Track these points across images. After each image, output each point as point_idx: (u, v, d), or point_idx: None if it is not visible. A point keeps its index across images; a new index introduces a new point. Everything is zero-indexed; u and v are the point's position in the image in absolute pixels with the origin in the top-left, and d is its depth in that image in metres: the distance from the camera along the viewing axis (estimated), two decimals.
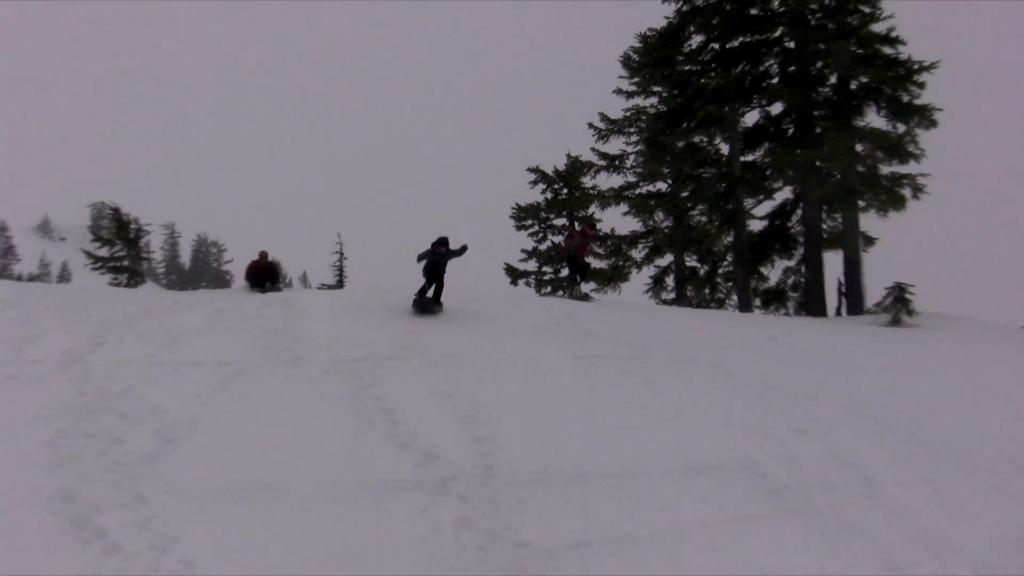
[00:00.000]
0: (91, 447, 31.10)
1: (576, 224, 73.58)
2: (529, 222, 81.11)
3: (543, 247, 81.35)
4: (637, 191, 71.84)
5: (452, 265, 48.15)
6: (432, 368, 38.61)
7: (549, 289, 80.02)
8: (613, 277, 78.78)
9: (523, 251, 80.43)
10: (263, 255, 35.20)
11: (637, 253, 74.54)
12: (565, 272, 68.70)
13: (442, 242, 42.18)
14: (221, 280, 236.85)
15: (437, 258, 41.30)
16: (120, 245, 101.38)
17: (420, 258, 42.89)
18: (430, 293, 40.82)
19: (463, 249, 41.42)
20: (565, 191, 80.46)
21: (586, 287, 52.20)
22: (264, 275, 39.03)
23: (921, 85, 67.12)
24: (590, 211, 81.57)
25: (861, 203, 67.16)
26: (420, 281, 44.87)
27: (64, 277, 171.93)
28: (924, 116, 65.72)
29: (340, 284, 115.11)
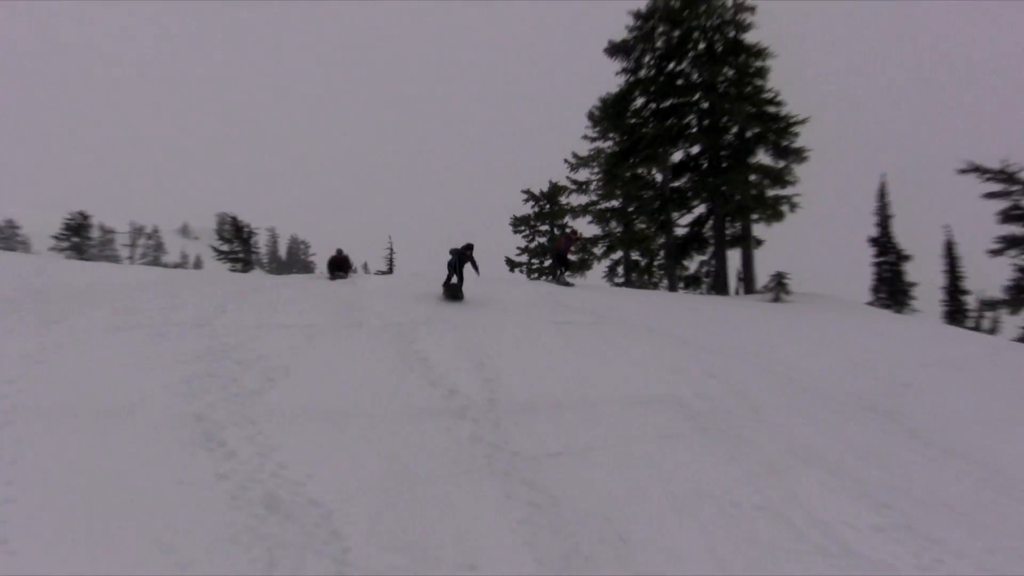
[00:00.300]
0: (215, 384, 31.78)
1: (566, 229, 73.77)
2: (522, 228, 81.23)
3: (532, 246, 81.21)
4: (598, 207, 72.33)
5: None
6: (454, 331, 39.13)
7: (537, 276, 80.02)
8: (581, 267, 79.12)
9: (518, 248, 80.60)
10: (339, 251, 35.62)
11: (597, 250, 74.77)
12: (550, 263, 68.35)
13: (469, 247, 42.05)
14: (307, 268, 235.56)
15: (462, 257, 41.18)
16: (236, 243, 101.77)
17: (451, 252, 42.91)
18: (453, 281, 40.76)
19: (476, 267, 41.30)
20: (548, 206, 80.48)
21: (568, 276, 52.18)
22: (337, 266, 39.49)
23: (796, 134, 67.40)
24: (565, 220, 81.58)
25: (753, 216, 67.59)
26: (445, 272, 44.91)
27: (197, 266, 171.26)
28: (798, 155, 66.46)
29: (390, 271, 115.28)
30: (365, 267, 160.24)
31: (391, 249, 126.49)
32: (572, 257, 42.46)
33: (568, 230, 37.79)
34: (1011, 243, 75.17)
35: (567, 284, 43.16)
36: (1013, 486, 35.05)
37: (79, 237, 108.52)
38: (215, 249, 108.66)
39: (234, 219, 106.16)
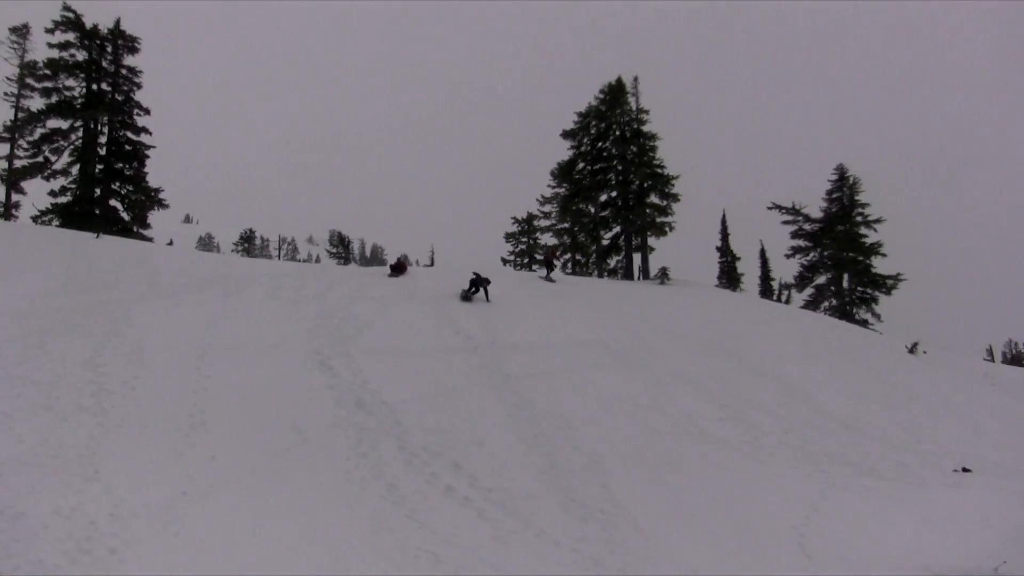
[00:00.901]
0: (326, 331, 31.75)
1: (552, 245, 73.84)
2: (511, 240, 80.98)
3: (517, 250, 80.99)
4: (556, 227, 72.05)
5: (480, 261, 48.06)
6: (471, 301, 38.54)
7: (521, 269, 79.83)
8: (543, 263, 79.10)
9: (510, 252, 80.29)
10: (402, 257, 34.51)
11: (559, 253, 74.75)
12: (543, 268, 68.06)
13: (487, 280, 41.14)
14: (383, 264, 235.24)
15: (482, 283, 40.45)
16: (340, 248, 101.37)
17: (475, 275, 42.00)
18: (472, 292, 40.01)
19: (488, 294, 40.68)
20: (527, 227, 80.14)
21: (552, 276, 51.86)
22: (397, 268, 37.61)
23: (673, 185, 67.68)
24: (541, 239, 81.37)
25: (648, 234, 67.20)
26: (469, 277, 44.48)
27: (317, 262, 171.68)
28: (674, 198, 67.20)
29: (432, 264, 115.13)
30: (417, 262, 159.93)
31: (433, 251, 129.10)
32: (556, 263, 43.36)
33: (552, 246, 37.60)
34: (797, 250, 76.29)
35: (551, 281, 43.46)
36: (801, 394, 35.16)
37: (248, 244, 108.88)
38: (328, 252, 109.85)
39: (339, 233, 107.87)
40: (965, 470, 29.25)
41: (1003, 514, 22.22)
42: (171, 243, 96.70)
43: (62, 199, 61.44)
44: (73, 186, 61.69)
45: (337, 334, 32.23)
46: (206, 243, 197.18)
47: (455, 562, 17.65)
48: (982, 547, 19.77)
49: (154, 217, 66.85)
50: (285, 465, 21.17)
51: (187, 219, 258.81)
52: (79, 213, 60.14)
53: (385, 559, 17.07)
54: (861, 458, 28.93)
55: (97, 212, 61.43)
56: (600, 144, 72.59)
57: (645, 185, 69.94)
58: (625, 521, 21.86)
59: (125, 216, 63.63)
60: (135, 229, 63.23)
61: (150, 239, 63.01)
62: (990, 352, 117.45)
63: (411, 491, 21.21)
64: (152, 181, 64.57)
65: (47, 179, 61.32)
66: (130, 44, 64.38)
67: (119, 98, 63.91)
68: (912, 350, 48.12)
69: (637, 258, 70.03)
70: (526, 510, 21.42)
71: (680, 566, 19.52)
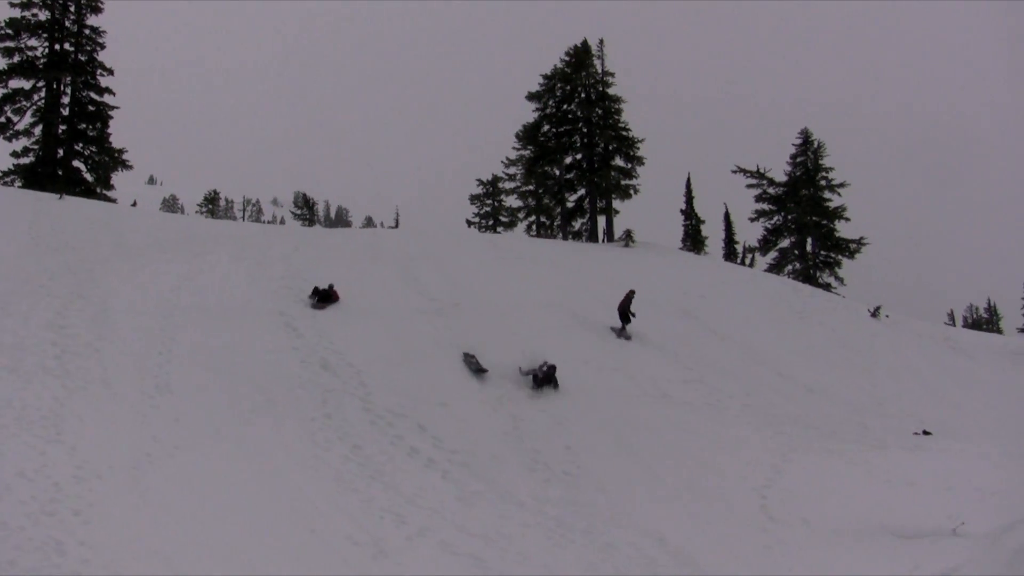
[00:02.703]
0: (292, 293, 31.57)
1: (627, 293, 72.58)
2: (476, 203, 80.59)
3: (481, 212, 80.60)
4: (520, 189, 71.57)
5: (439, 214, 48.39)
6: (435, 262, 38.77)
7: (484, 231, 79.56)
8: (508, 225, 78.72)
9: (475, 214, 79.84)
10: (330, 286, 31.21)
11: (521, 216, 74.27)
12: (492, 223, 68.21)
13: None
14: (347, 225, 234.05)
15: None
16: (305, 210, 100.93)
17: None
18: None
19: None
20: (492, 189, 79.75)
21: (629, 330, 51.22)
22: (325, 298, 32.45)
23: (638, 148, 67.47)
24: (502, 197, 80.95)
25: (613, 196, 67.07)
26: (433, 233, 44.42)
27: (282, 223, 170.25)
28: (639, 161, 66.61)
29: (397, 225, 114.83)
30: (382, 224, 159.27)
31: (398, 212, 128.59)
32: (633, 315, 39.87)
33: (629, 293, 35.37)
34: (761, 214, 76.07)
35: (627, 338, 38.97)
36: (764, 358, 35.37)
37: (212, 205, 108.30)
38: (293, 213, 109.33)
39: (304, 195, 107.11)
40: (926, 433, 29.54)
41: (962, 476, 22.43)
42: (135, 204, 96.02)
43: (25, 160, 60.75)
44: (36, 147, 60.98)
45: (302, 296, 32.13)
46: (170, 205, 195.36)
47: (419, 522, 17.75)
48: (942, 508, 19.97)
49: (118, 178, 66.30)
50: (250, 426, 21.21)
51: (151, 180, 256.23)
52: (42, 174, 59.51)
53: (349, 519, 17.14)
54: (823, 421, 29.17)
55: (60, 173, 60.79)
56: (565, 107, 72.27)
57: (610, 148, 69.72)
58: (589, 483, 22.00)
59: (89, 177, 63.02)
60: (99, 190, 62.64)
61: (114, 200, 62.47)
62: (951, 317, 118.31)
63: (376, 452, 21.29)
64: (116, 142, 63.88)
65: (9, 140, 60.56)
66: (93, 4, 63.42)
67: (82, 58, 63.15)
68: (875, 314, 48.34)
69: (602, 221, 69.83)
70: (491, 471, 21.54)
71: (644, 527, 19.66)
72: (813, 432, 28.07)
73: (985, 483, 21.54)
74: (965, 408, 34.84)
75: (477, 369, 24.08)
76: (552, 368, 27.65)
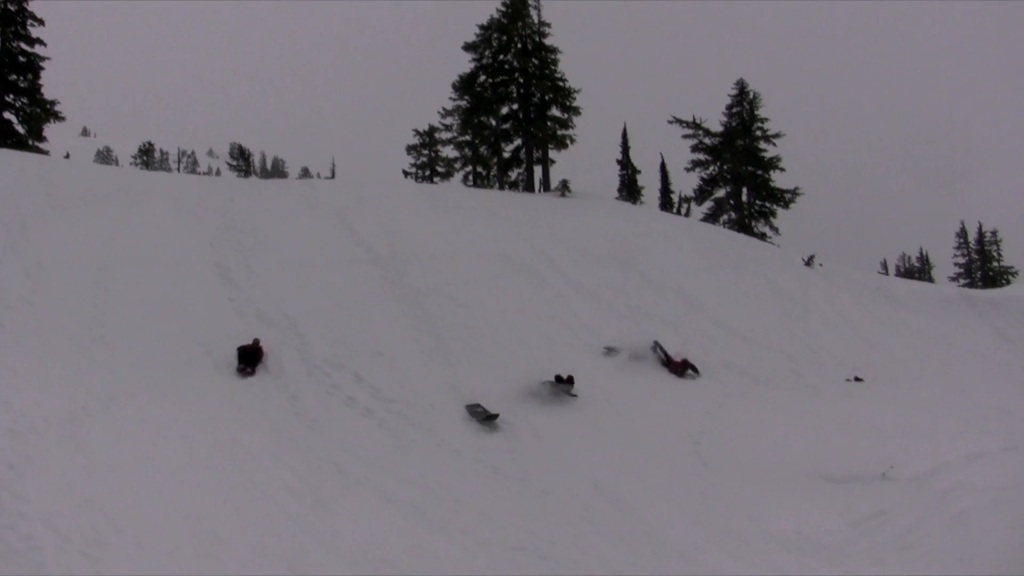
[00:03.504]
0: (228, 244, 31.61)
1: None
2: (412, 153, 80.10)
3: (417, 163, 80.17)
4: (457, 139, 71.24)
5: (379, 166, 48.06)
6: (373, 210, 38.67)
7: (420, 181, 79.16)
8: (445, 175, 78.38)
9: (411, 164, 79.24)
10: (255, 341, 27.54)
11: (457, 166, 74.02)
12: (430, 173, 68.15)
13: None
14: (283, 176, 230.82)
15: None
16: (240, 161, 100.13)
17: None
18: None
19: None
20: (428, 140, 79.34)
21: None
22: (249, 358, 27.51)
23: (574, 98, 67.29)
24: (438, 147, 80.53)
25: (549, 146, 67.07)
26: (370, 183, 44.25)
27: (218, 174, 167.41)
28: (575, 111, 66.45)
29: (333, 176, 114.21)
30: (318, 174, 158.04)
31: (334, 163, 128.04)
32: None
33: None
34: (697, 164, 76.18)
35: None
36: (699, 306, 35.59)
37: (147, 157, 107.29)
38: (229, 165, 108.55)
39: (240, 146, 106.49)
40: (857, 380, 29.98)
41: (892, 421, 22.81)
42: (68, 157, 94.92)
43: None
44: None
45: (238, 247, 31.97)
46: (104, 156, 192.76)
47: (357, 472, 17.81)
48: (872, 453, 20.33)
49: (50, 130, 65.24)
50: (187, 378, 21.18)
51: (84, 132, 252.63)
52: None
53: (288, 469, 17.17)
54: (757, 369, 29.51)
55: None
56: (502, 57, 71.98)
57: (546, 98, 69.61)
58: (526, 431, 22.17)
59: (20, 129, 61.97)
60: (31, 142, 61.61)
61: (46, 152, 61.55)
62: (884, 266, 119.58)
63: (313, 402, 21.34)
64: (47, 93, 62.85)
65: None
66: None
67: (11, 8, 61.99)
68: (809, 263, 48.75)
69: (538, 171, 69.72)
70: (428, 421, 21.65)
71: (580, 473, 19.86)
72: (748, 379, 28.47)
73: (914, 428, 21.96)
74: (896, 355, 35.31)
75: (485, 418, 22.43)
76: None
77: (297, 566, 12.78)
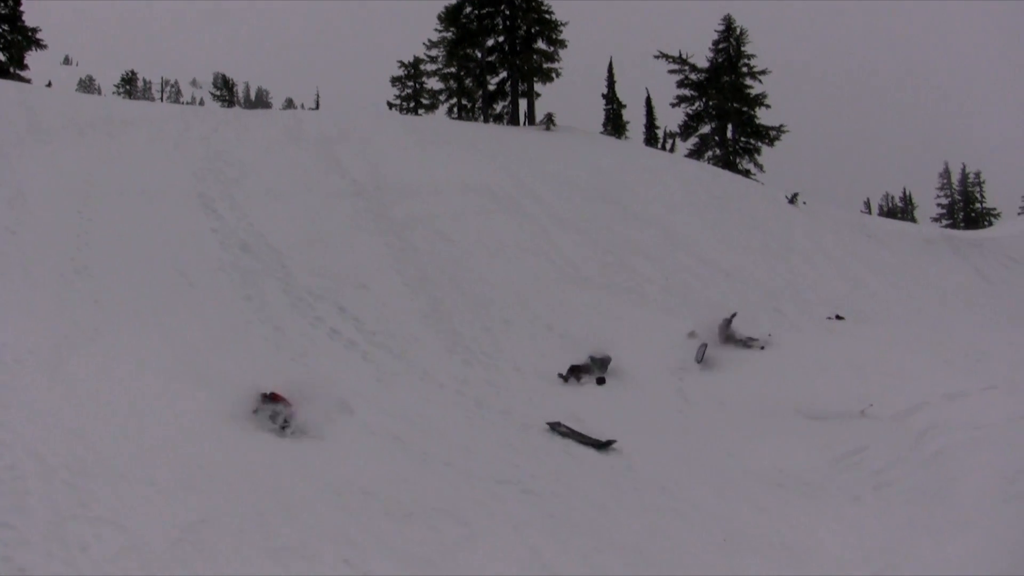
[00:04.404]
0: (211, 175, 31.42)
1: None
2: (397, 85, 79.62)
3: (403, 95, 79.68)
4: (442, 71, 70.85)
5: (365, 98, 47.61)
6: (357, 142, 38.67)
7: (405, 113, 78.80)
8: (429, 107, 77.99)
9: (396, 96, 78.66)
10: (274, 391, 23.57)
11: (442, 99, 73.72)
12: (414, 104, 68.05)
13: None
14: (268, 106, 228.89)
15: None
16: (224, 91, 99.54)
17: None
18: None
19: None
20: (413, 71, 78.82)
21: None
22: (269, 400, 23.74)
23: (560, 31, 67.01)
24: (423, 79, 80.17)
25: (535, 80, 66.79)
26: (354, 115, 44.03)
27: (201, 104, 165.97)
28: (562, 44, 66.29)
29: (317, 107, 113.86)
30: (303, 105, 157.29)
31: (318, 94, 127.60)
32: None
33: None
34: (682, 100, 76.00)
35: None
36: (683, 242, 35.61)
37: (130, 86, 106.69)
38: (212, 95, 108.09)
39: (224, 76, 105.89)
40: (839, 318, 30.09)
41: (873, 360, 22.90)
42: (50, 85, 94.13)
43: None
44: None
45: (222, 177, 31.76)
46: (87, 85, 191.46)
47: (339, 403, 17.83)
48: (852, 391, 20.42)
49: (32, 58, 64.82)
50: (171, 309, 21.10)
51: (66, 60, 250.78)
52: None
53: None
54: (740, 306, 29.49)
55: None
56: None
57: (532, 31, 69.28)
58: (508, 364, 22.26)
59: (1, 56, 61.73)
60: (12, 70, 61.27)
61: (28, 81, 61.09)
62: (867, 205, 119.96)
63: (297, 334, 21.34)
64: (29, 20, 62.59)
65: None
66: None
67: None
68: (792, 201, 48.76)
69: (523, 104, 69.52)
70: (411, 353, 21.71)
71: (562, 408, 19.94)
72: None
73: (894, 367, 22.03)
74: (878, 294, 35.43)
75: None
76: None
77: (278, 496, 12.83)
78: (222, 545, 10.96)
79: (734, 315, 25.61)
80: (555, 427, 18.30)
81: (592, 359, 22.48)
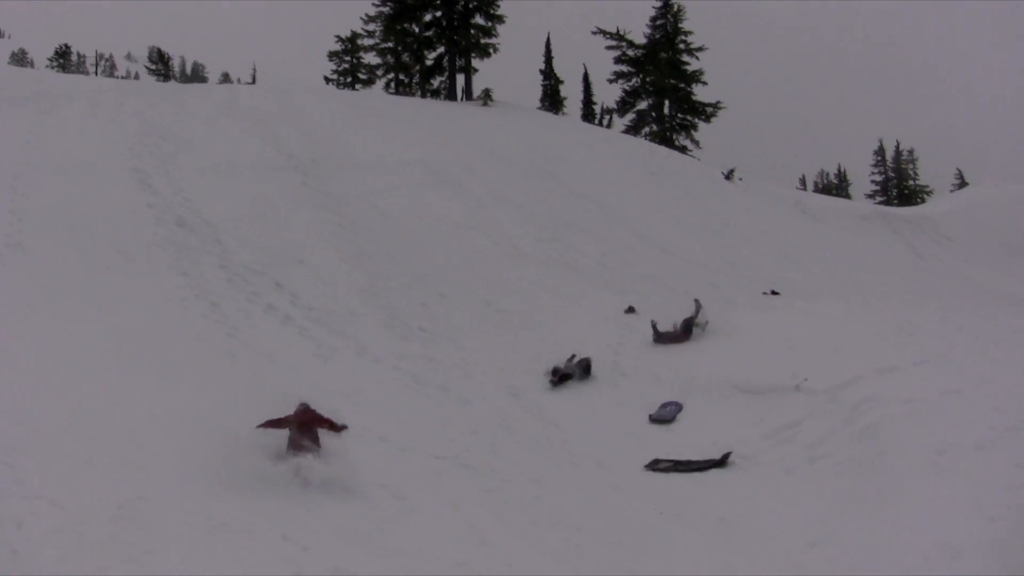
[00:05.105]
0: (147, 149, 31.01)
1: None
2: (334, 60, 79.04)
3: (340, 69, 79.19)
4: (380, 46, 70.49)
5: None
6: (294, 117, 38.48)
7: (342, 87, 78.32)
8: (367, 83, 77.55)
9: (333, 71, 78.10)
10: (301, 407, 20.81)
11: (379, 74, 73.31)
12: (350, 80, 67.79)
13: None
14: (203, 81, 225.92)
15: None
16: (160, 65, 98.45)
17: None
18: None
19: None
20: (350, 46, 78.33)
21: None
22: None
23: (498, 7, 67.01)
24: (361, 54, 79.59)
25: (473, 55, 66.69)
26: (291, 89, 43.71)
27: (137, 78, 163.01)
28: (499, 19, 65.96)
29: (254, 82, 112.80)
30: (239, 80, 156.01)
31: (255, 69, 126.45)
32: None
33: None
34: (620, 76, 76.01)
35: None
36: (620, 218, 35.72)
37: (64, 60, 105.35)
38: (148, 69, 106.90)
39: (159, 50, 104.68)
40: (774, 293, 30.31)
41: (807, 335, 23.10)
42: None
43: None
44: None
45: (157, 152, 31.43)
46: (19, 59, 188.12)
47: (277, 379, 17.75)
48: (787, 366, 20.58)
49: None
50: (106, 284, 20.90)
51: None
52: None
53: (208, 377, 17.07)
54: (676, 281, 29.72)
55: None
56: None
57: (470, 5, 69.07)
58: (446, 339, 22.28)
59: None
60: None
61: None
62: (803, 181, 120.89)
63: (233, 309, 21.21)
64: None
65: None
66: None
67: None
68: (728, 177, 49.08)
69: (461, 80, 69.39)
70: (348, 328, 21.66)
71: (498, 382, 20.03)
72: (666, 291, 28.63)
73: (829, 342, 22.24)
74: (813, 270, 35.84)
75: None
76: None
77: (215, 469, 12.77)
78: (159, 521, 10.90)
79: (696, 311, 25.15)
80: (654, 465, 16.49)
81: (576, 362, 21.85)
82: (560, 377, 20.74)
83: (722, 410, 19.23)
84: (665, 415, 19.09)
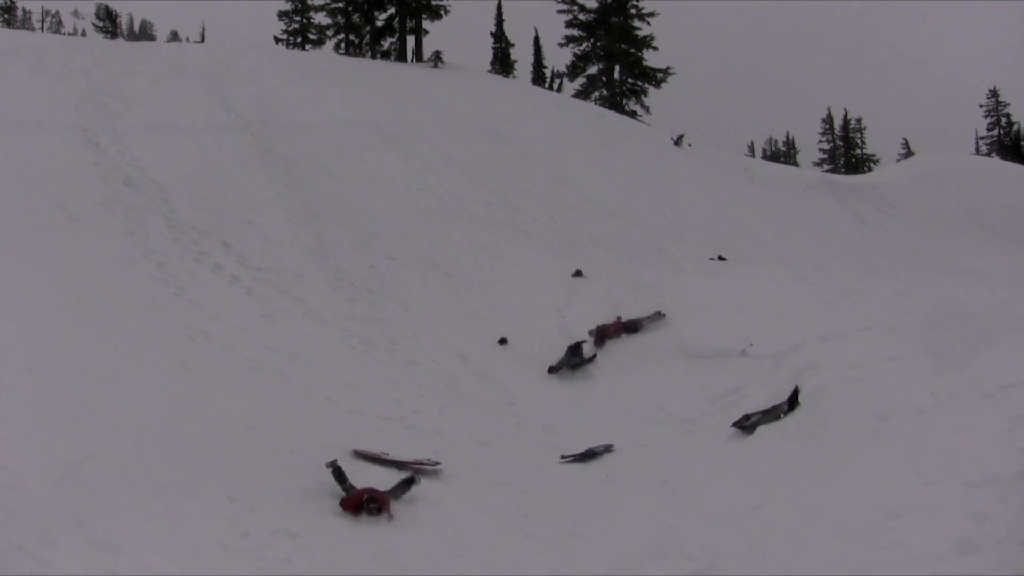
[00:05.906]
0: (93, 107, 30.74)
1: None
2: (285, 20, 78.39)
3: (290, 29, 78.60)
4: (331, 7, 70.07)
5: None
6: (243, 76, 38.22)
7: (292, 47, 77.80)
8: (317, 43, 77.12)
9: (283, 31, 77.40)
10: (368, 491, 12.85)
11: (330, 34, 72.87)
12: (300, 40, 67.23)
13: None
14: (152, 39, 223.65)
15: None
16: (107, 23, 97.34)
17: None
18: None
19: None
20: (301, 6, 77.71)
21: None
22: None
23: None
24: (311, 14, 78.97)
25: (424, 16, 66.44)
26: (242, 50, 43.28)
27: (84, 35, 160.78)
28: None
29: (203, 40, 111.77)
30: (188, 38, 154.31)
31: (204, 27, 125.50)
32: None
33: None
34: (570, 40, 75.81)
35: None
36: (568, 181, 35.76)
37: (8, 15, 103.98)
38: (95, 26, 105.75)
39: (107, 7, 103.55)
40: (721, 259, 30.54)
41: (753, 300, 23.33)
42: None
43: None
44: None
45: (104, 110, 31.01)
46: None
47: (224, 339, 17.73)
48: (733, 331, 20.81)
49: None
50: (49, 244, 20.64)
51: None
52: None
53: (154, 338, 16.98)
54: (624, 245, 29.83)
55: None
56: None
57: None
58: (394, 301, 22.26)
59: None
60: None
61: None
62: (751, 148, 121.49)
63: (180, 270, 21.05)
64: None
65: None
66: None
67: None
68: (678, 142, 49.14)
69: (411, 41, 69.05)
70: (295, 289, 21.58)
71: (446, 345, 20.08)
72: (614, 255, 28.76)
73: (774, 308, 22.48)
74: (760, 236, 36.08)
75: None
76: None
77: (161, 434, 12.72)
78: (106, 482, 10.84)
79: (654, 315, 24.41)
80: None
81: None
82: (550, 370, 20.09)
83: (668, 373, 19.44)
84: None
